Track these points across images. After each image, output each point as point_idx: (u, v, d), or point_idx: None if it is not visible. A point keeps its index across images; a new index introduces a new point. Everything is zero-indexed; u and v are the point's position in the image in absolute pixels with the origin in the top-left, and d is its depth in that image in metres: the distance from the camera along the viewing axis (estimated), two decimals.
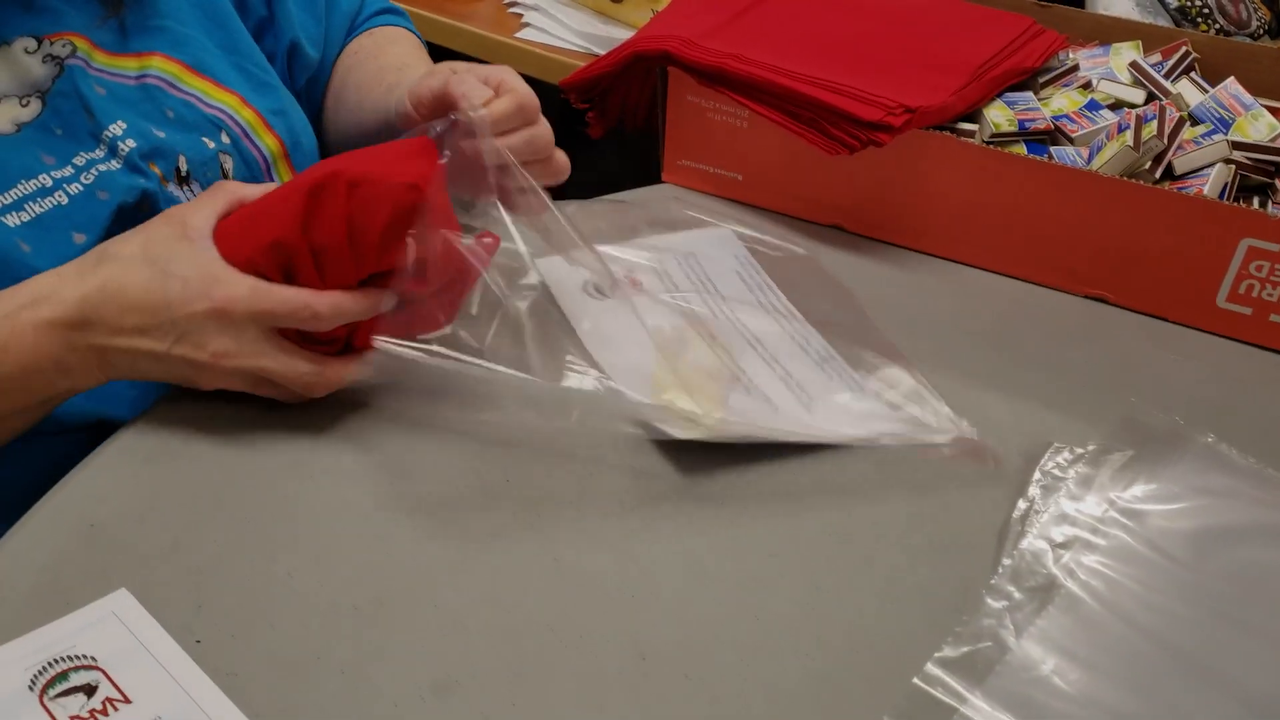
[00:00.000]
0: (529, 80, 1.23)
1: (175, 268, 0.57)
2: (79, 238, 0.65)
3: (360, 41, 0.90)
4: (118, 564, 0.55)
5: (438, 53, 1.27)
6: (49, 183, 0.65)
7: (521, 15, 1.33)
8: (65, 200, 0.65)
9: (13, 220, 0.62)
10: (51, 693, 0.48)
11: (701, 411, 0.62)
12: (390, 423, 0.64)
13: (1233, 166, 0.82)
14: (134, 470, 0.60)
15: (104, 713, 0.47)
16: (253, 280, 0.58)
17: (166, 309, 0.57)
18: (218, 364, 0.58)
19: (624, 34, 1.22)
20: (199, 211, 0.60)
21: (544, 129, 0.68)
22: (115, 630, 0.51)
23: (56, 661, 0.49)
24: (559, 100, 1.00)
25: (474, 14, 1.35)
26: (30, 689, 0.48)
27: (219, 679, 0.50)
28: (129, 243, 0.59)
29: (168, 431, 0.63)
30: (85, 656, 0.50)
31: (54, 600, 0.53)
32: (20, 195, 0.63)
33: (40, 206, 0.64)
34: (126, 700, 0.48)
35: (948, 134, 0.83)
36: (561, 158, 0.71)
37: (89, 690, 0.48)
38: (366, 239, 0.58)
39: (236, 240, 0.59)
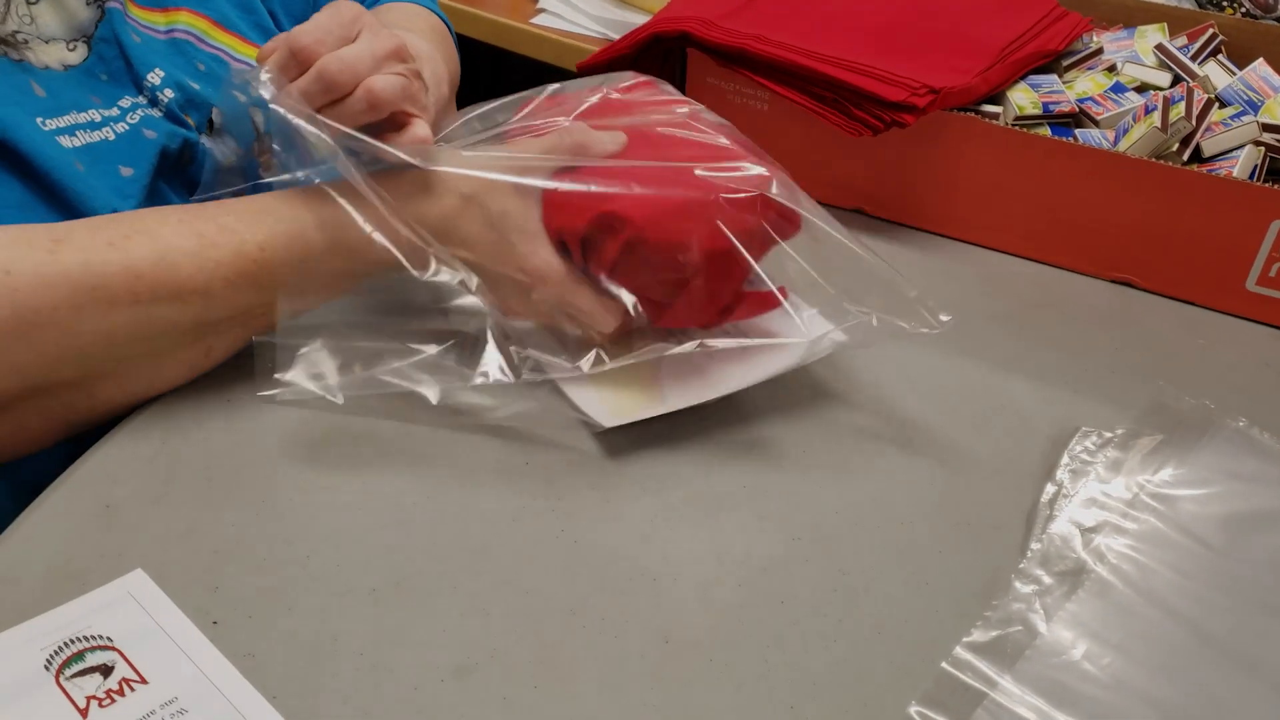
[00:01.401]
0: (546, 67, 1.22)
1: (503, 225, 0.62)
2: (126, 171, 0.65)
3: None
4: (134, 545, 0.54)
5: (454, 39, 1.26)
6: (98, 118, 0.65)
7: (537, 1, 1.32)
8: (112, 137, 0.65)
9: (67, 142, 0.63)
10: (68, 673, 0.47)
11: (640, 408, 0.63)
12: (409, 405, 0.63)
13: (1262, 149, 0.80)
14: (150, 451, 0.60)
15: (120, 693, 0.47)
16: (564, 270, 0.62)
17: (481, 255, 0.62)
18: (510, 312, 0.64)
19: (640, 19, 1.21)
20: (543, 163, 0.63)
21: (355, 101, 0.59)
22: (131, 611, 0.50)
23: (73, 642, 0.49)
24: None
25: (489, 0, 1.35)
26: (46, 669, 0.47)
27: (236, 660, 0.49)
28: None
29: (184, 413, 0.62)
30: (101, 637, 0.49)
31: (70, 581, 0.52)
32: (72, 122, 0.64)
33: (89, 136, 0.64)
34: (143, 681, 0.47)
35: (972, 115, 0.82)
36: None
37: (105, 670, 0.48)
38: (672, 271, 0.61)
39: (559, 212, 0.62)
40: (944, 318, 0.61)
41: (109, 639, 0.49)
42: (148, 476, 0.58)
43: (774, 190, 0.61)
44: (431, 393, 0.61)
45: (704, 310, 0.63)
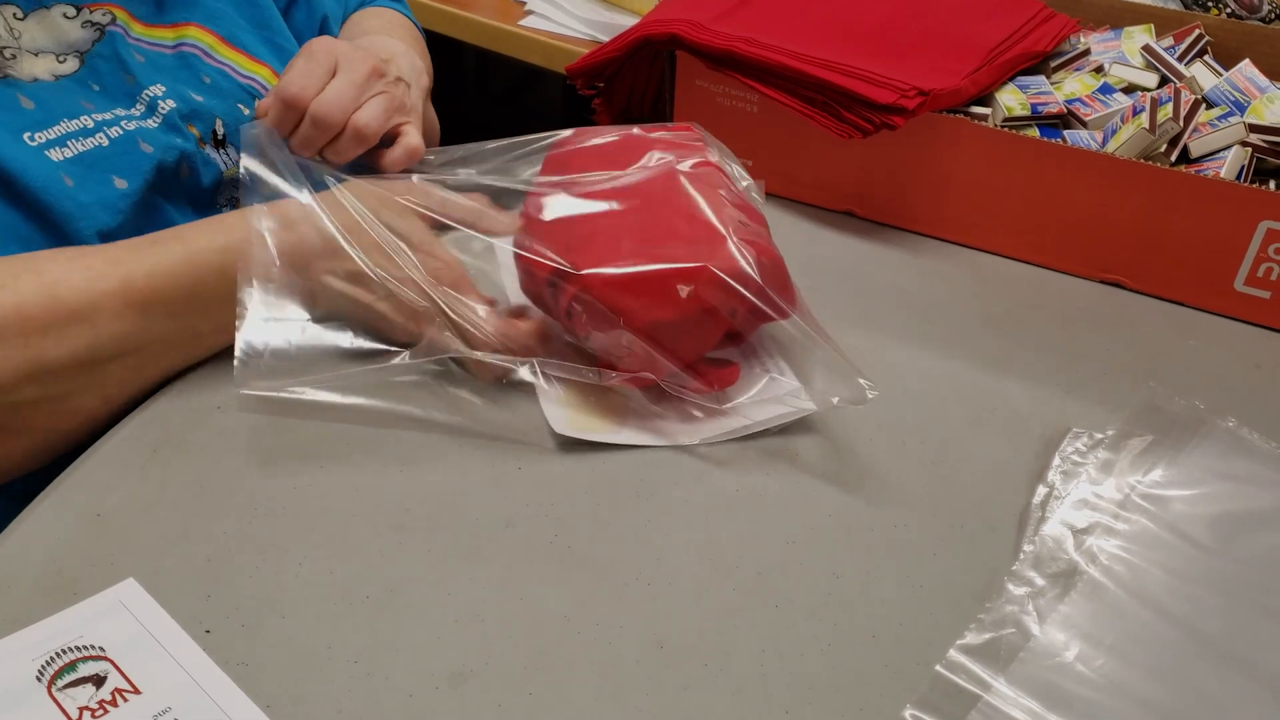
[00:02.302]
0: (534, 69, 1.23)
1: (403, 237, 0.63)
2: (120, 183, 0.65)
3: (355, 15, 0.92)
4: (125, 553, 0.54)
5: (442, 42, 1.26)
6: (90, 124, 0.65)
7: (525, 3, 1.32)
8: (106, 142, 0.65)
9: (56, 155, 0.63)
10: (60, 683, 0.47)
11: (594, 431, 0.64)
12: (402, 412, 0.63)
13: (1249, 149, 0.81)
14: (140, 460, 0.59)
15: (113, 703, 0.47)
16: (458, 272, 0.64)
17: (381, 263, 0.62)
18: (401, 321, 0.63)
19: (628, 20, 1.21)
20: None
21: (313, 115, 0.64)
22: (124, 620, 0.50)
23: (64, 652, 0.48)
24: (565, 86, 0.99)
25: (477, 2, 1.34)
26: (38, 680, 0.47)
27: (229, 669, 0.49)
28: None
29: (174, 421, 0.62)
30: (93, 647, 0.49)
31: (61, 590, 0.52)
32: (63, 132, 0.64)
33: (82, 145, 0.64)
34: (136, 691, 0.47)
35: (961, 117, 0.82)
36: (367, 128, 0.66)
37: (98, 681, 0.47)
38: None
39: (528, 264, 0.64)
40: (870, 394, 0.62)
41: (101, 649, 0.49)
42: (139, 484, 0.58)
43: (745, 274, 0.62)
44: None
45: (648, 373, 0.63)
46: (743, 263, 0.62)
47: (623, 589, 0.55)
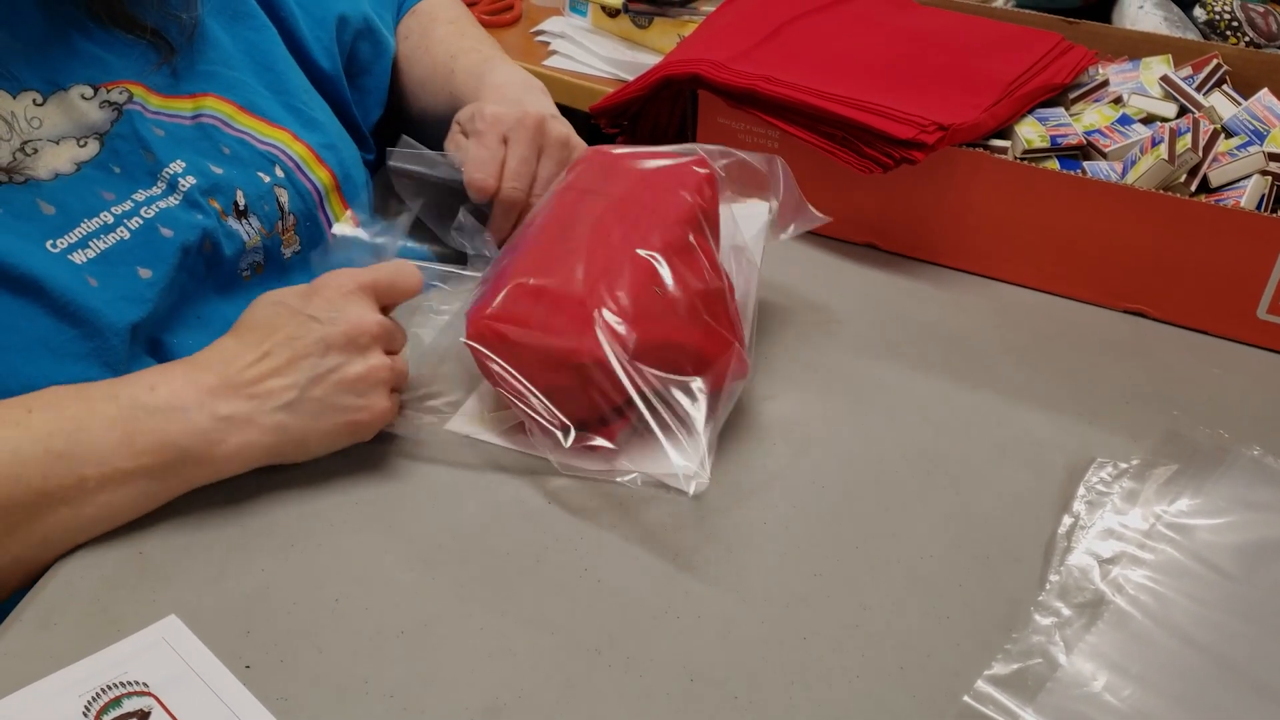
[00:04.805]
0: (558, 108, 1.27)
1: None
2: (144, 273, 0.66)
3: (408, 24, 0.95)
4: (167, 590, 0.55)
5: None
6: (110, 219, 0.66)
7: (549, 44, 1.34)
8: (127, 235, 0.66)
9: (79, 258, 0.64)
10: (105, 718, 0.48)
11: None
12: (431, 448, 0.65)
13: (1269, 178, 0.81)
14: (179, 499, 0.61)
15: None
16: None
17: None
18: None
19: (650, 59, 1.23)
20: None
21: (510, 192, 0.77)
22: (166, 656, 0.51)
23: (109, 688, 0.50)
24: (589, 125, 1.01)
25: (502, 43, 1.36)
26: (84, 715, 0.48)
27: (269, 703, 0.50)
28: None
29: None
30: (137, 683, 0.50)
31: (105, 627, 0.53)
32: (84, 234, 0.65)
33: (104, 243, 0.65)
34: None
35: (980, 151, 0.83)
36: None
37: (142, 716, 0.49)
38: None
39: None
40: (696, 488, 0.60)
41: (145, 684, 0.50)
42: (177, 522, 0.59)
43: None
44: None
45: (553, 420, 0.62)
46: (608, 351, 0.60)
47: (652, 622, 0.55)
